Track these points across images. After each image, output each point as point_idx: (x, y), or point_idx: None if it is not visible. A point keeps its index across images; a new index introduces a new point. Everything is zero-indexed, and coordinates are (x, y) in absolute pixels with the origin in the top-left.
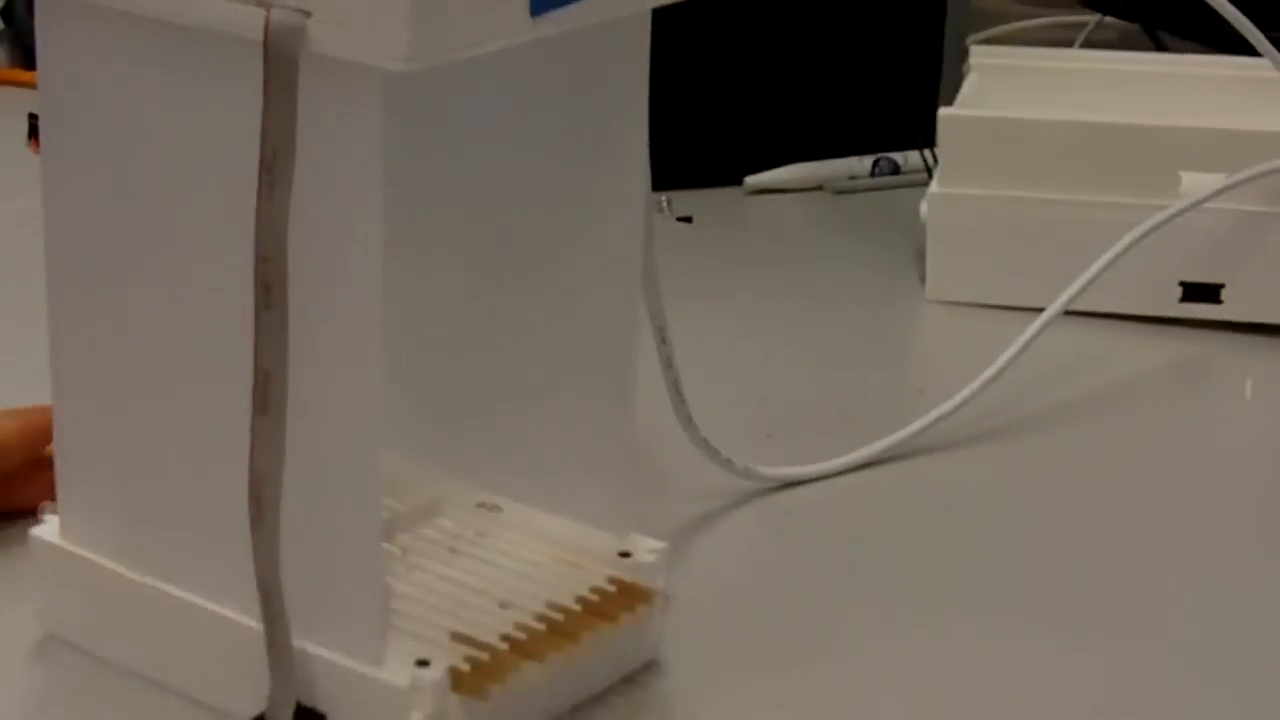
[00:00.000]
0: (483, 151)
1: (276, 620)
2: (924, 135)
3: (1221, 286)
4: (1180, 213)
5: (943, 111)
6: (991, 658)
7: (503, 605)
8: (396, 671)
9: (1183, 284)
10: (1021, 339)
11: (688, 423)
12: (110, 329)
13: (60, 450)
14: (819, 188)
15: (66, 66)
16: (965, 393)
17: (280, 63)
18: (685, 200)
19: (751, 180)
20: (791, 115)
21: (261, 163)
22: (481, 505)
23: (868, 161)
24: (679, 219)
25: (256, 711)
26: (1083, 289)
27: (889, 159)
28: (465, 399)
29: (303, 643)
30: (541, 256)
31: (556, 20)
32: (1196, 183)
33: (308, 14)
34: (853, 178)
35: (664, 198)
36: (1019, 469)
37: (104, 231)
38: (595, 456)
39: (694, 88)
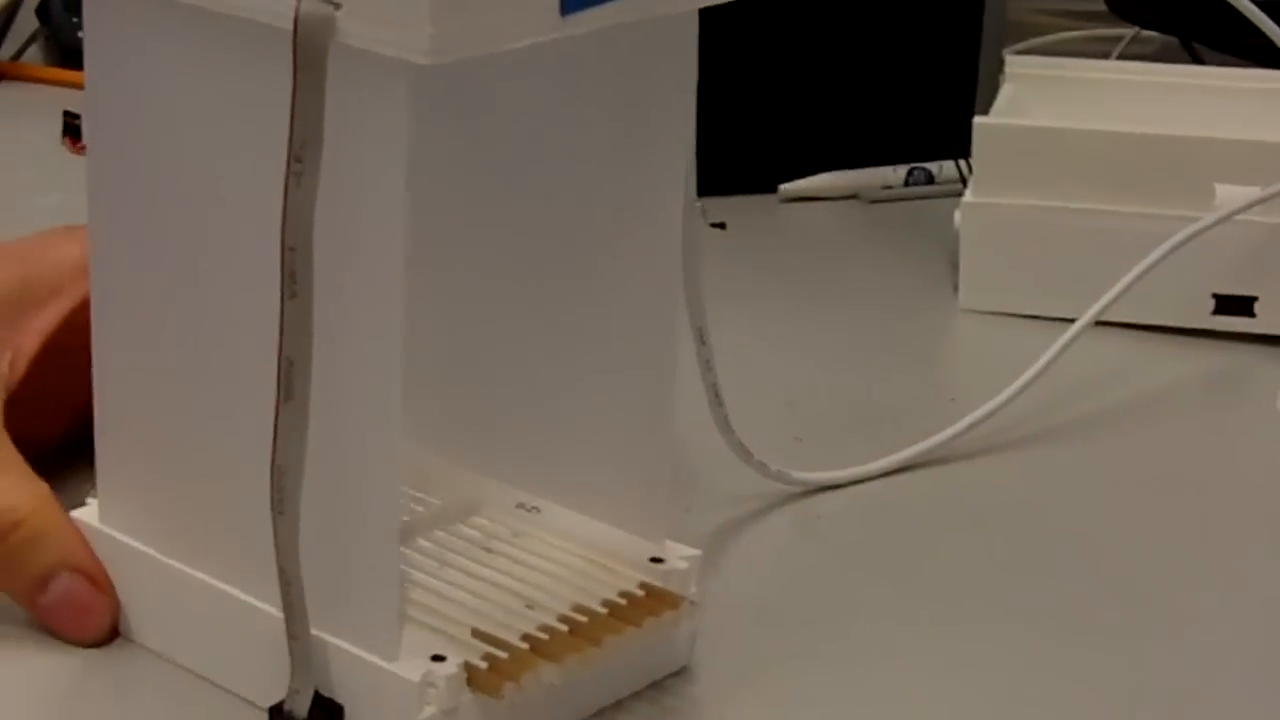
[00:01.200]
0: (522, 146)
1: (296, 609)
2: (959, 145)
3: (1255, 299)
4: (1214, 224)
5: (978, 120)
6: (1020, 663)
7: (529, 605)
8: (410, 666)
9: (1215, 296)
10: (1053, 349)
11: (725, 425)
12: (147, 318)
13: (100, 435)
14: (854, 196)
15: (109, 54)
16: (997, 400)
17: (309, 53)
18: (719, 206)
19: (786, 188)
20: (827, 123)
21: (290, 152)
22: (521, 506)
23: (902, 171)
24: (712, 225)
25: (277, 699)
26: (1115, 299)
27: (924, 169)
28: (504, 399)
29: (322, 633)
30: (580, 254)
31: (587, 19)
32: (1230, 195)
33: (337, 5)
34: (887, 187)
35: (698, 204)
36: (1050, 478)
37: (140, 221)
38: (633, 461)
39: (730, 94)
